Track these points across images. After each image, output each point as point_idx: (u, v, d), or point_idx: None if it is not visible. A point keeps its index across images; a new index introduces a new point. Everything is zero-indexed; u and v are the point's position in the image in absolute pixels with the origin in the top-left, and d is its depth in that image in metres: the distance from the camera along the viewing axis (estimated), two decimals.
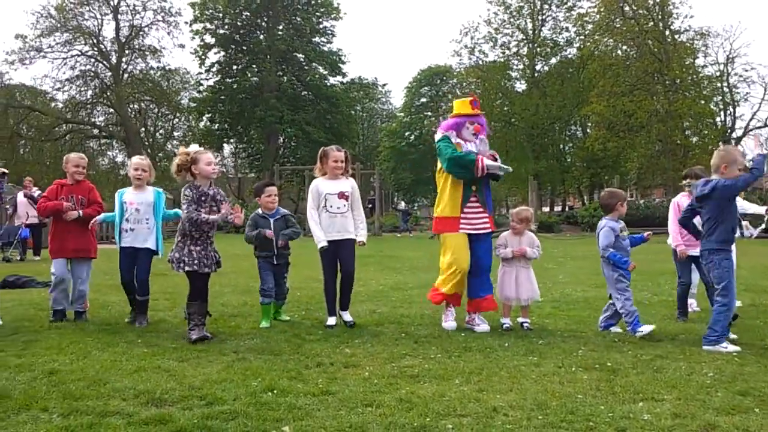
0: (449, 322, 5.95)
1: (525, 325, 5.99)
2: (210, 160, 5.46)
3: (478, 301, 5.98)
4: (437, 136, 6.07)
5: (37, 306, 7.20)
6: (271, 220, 6.23)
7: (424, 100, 52.61)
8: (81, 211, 6.33)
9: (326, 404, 3.60)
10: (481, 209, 5.96)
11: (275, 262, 6.19)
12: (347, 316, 6.10)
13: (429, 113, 52.08)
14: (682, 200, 6.62)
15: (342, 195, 6.03)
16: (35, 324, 6.14)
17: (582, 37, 39.08)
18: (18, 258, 14.62)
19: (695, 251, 6.05)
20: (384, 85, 63.90)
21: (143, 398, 3.67)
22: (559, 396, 3.78)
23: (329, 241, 5.93)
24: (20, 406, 3.52)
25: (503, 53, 41.53)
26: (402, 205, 37.79)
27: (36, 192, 14.26)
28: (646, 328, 5.42)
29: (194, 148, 5.60)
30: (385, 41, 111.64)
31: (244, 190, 49.32)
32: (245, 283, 9.28)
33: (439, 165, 6.04)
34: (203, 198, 5.39)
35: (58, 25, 40.03)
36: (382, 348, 5.06)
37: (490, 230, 6.04)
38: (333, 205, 6.01)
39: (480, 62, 41.94)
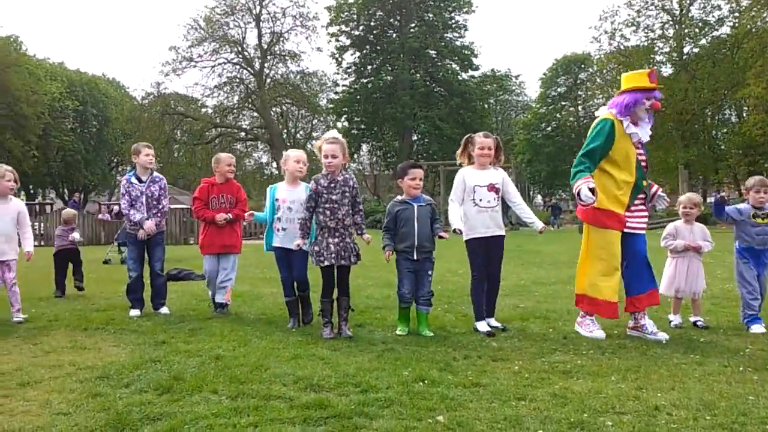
0: (597, 331, 5.23)
1: (699, 323, 5.60)
2: (327, 152, 5.32)
3: (643, 297, 5.27)
4: (600, 113, 5.38)
5: (198, 297, 7.74)
6: (415, 206, 5.43)
7: (560, 90, 51.02)
8: (230, 214, 6.60)
9: (478, 396, 3.59)
10: (643, 207, 5.36)
11: (415, 257, 5.41)
12: (494, 322, 5.64)
13: (566, 103, 50.44)
14: None
15: (492, 187, 5.52)
16: (198, 313, 6.61)
17: (736, 14, 36.12)
18: None
19: None
20: (517, 76, 62.61)
21: (302, 384, 3.84)
22: (727, 396, 3.53)
23: (480, 238, 5.49)
24: (193, 388, 3.80)
25: (647, 36, 39.33)
26: (538, 199, 37.32)
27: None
28: (757, 329, 5.34)
29: (332, 133, 5.55)
30: (519, 32, 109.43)
31: (379, 187, 50.37)
32: (386, 277, 9.45)
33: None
34: (332, 185, 5.32)
35: (207, 35, 42.86)
36: (530, 343, 4.97)
37: (644, 229, 5.43)
38: (482, 199, 5.48)
39: (621, 47, 40.00)
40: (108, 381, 4.00)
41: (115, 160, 60.18)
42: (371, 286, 8.50)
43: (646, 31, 39.14)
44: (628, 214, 5.26)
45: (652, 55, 39.46)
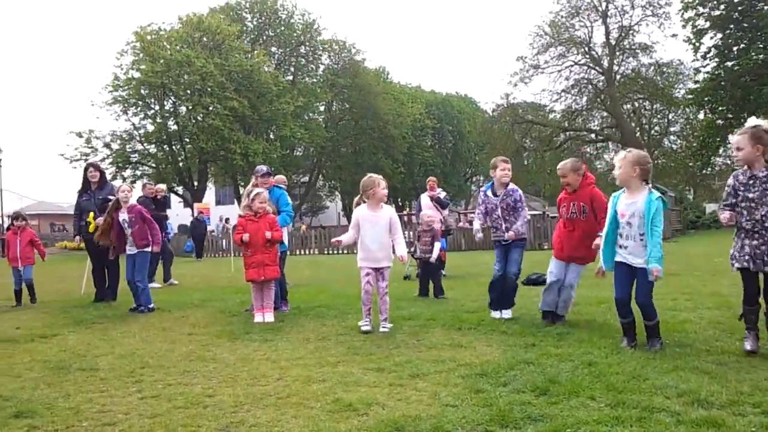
0: None
1: None
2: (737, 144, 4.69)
3: None
4: None
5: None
6: None
7: None
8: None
9: None
10: None
11: None
12: None
13: None
14: None
15: None
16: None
17: None
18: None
19: None
20: None
21: (687, 398, 3.56)
22: None
23: None
24: (569, 392, 3.78)
25: None
26: None
27: (442, 193, 13.27)
28: None
29: (752, 121, 4.77)
30: None
31: None
32: None
33: None
34: (750, 181, 4.67)
35: (552, 40, 43.06)
36: None
37: None
38: None
39: None
40: (486, 378, 4.22)
41: (470, 172, 64.20)
42: None
43: None
44: None
45: None
